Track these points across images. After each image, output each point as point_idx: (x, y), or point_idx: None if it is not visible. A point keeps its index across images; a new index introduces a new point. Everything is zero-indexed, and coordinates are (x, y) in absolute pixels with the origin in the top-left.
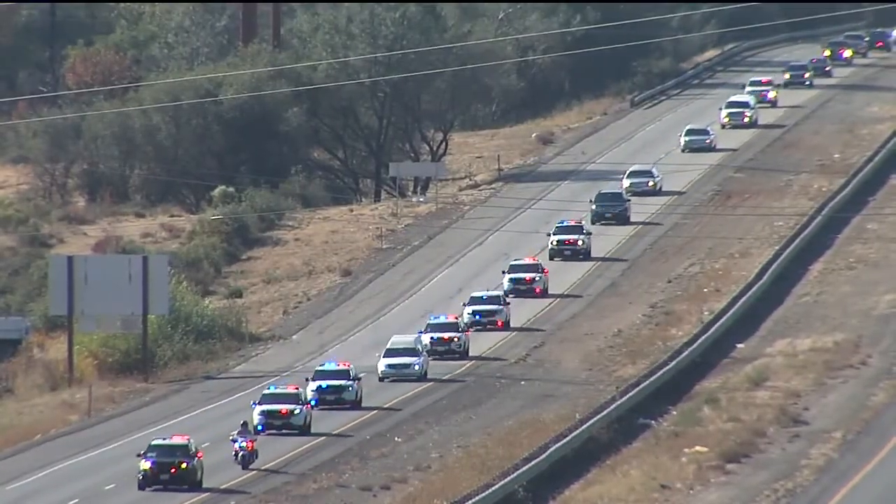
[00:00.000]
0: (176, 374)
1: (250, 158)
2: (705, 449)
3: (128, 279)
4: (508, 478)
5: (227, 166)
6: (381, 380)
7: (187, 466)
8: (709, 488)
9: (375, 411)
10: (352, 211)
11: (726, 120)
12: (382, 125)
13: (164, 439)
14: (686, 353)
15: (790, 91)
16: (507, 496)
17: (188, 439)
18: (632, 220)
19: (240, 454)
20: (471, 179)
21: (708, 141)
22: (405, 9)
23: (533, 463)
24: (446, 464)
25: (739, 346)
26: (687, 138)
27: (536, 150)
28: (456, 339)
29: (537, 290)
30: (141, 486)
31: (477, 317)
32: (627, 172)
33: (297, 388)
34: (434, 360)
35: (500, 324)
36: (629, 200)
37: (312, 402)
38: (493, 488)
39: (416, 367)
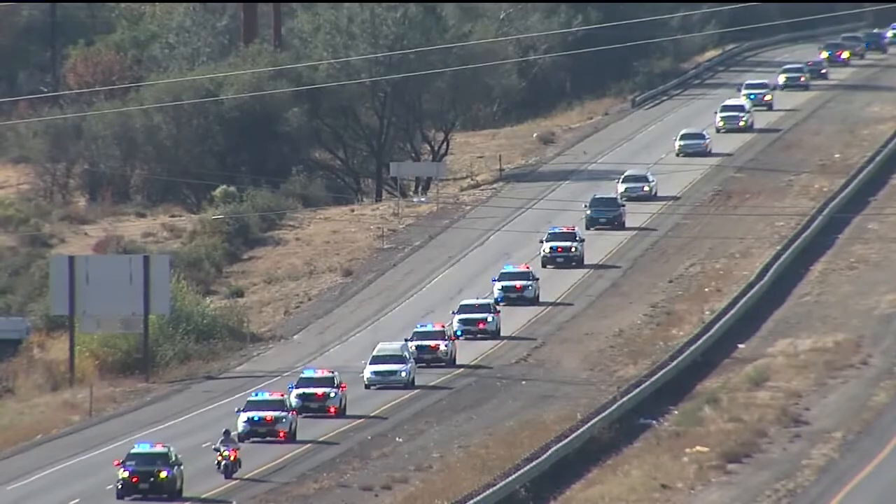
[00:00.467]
0: (177, 374)
1: (251, 158)
2: (706, 449)
3: (129, 279)
4: (510, 478)
5: (228, 166)
6: (366, 387)
7: (167, 476)
8: (710, 488)
9: (361, 419)
10: (353, 211)
11: (721, 124)
12: (383, 125)
13: (144, 447)
14: (687, 353)
15: (786, 94)
16: (508, 496)
17: (168, 447)
18: (627, 225)
19: (222, 463)
20: (472, 179)
21: (703, 145)
22: (406, 9)
23: (534, 463)
24: (447, 464)
25: (740, 346)
26: (682, 142)
27: (537, 150)
28: (443, 347)
29: (527, 299)
30: (119, 496)
31: (467, 325)
32: (622, 177)
33: (282, 395)
34: (420, 367)
35: (481, 325)
36: (624, 205)
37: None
38: (495, 488)
39: (403, 375)
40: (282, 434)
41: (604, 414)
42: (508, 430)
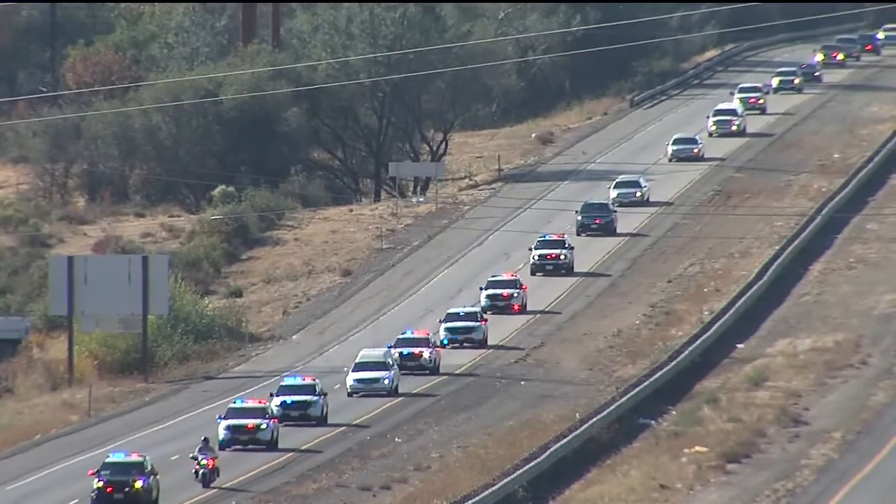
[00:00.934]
0: (176, 374)
1: (250, 158)
2: (705, 449)
3: (127, 279)
4: (509, 478)
5: (228, 166)
6: (349, 395)
7: (142, 486)
8: (709, 488)
9: (343, 427)
10: (352, 211)
11: (713, 128)
12: (382, 125)
13: (119, 456)
14: (686, 353)
15: (779, 97)
16: (507, 496)
17: (144, 456)
18: (619, 231)
19: (200, 472)
20: (471, 179)
21: (696, 150)
22: (405, 9)
23: (533, 463)
24: (446, 464)
25: (739, 346)
26: (674, 147)
27: (536, 150)
28: (426, 355)
29: (515, 308)
30: None
31: (453, 334)
32: (615, 182)
33: (263, 403)
34: (404, 374)
35: (476, 340)
36: (615, 211)
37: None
38: (494, 488)
39: (386, 382)
40: (263, 442)
41: (603, 414)
42: (507, 430)
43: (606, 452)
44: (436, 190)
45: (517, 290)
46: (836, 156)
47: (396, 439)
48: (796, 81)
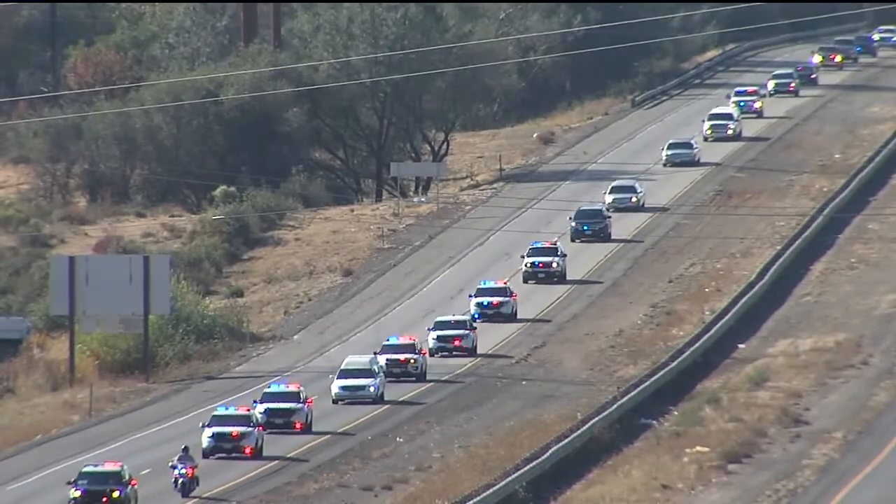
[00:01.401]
0: (177, 374)
1: (251, 158)
2: (706, 449)
3: (129, 279)
4: (510, 478)
5: (229, 166)
6: (334, 402)
7: (119, 496)
8: (710, 488)
9: (328, 436)
10: (353, 211)
11: (709, 132)
12: (383, 125)
13: (96, 466)
14: (687, 353)
15: (776, 100)
16: (508, 496)
17: (121, 466)
18: (613, 237)
19: (179, 481)
20: (472, 179)
21: (691, 155)
22: (406, 9)
23: (534, 463)
24: (448, 464)
25: (741, 346)
26: (669, 152)
27: (537, 150)
28: (412, 361)
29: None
30: None
31: (442, 342)
32: (610, 188)
33: (247, 410)
34: (390, 381)
35: (456, 341)
36: (609, 217)
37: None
38: (495, 488)
39: (372, 390)
40: (248, 450)
41: (604, 414)
42: (508, 429)
43: (608, 452)
44: (437, 190)
45: (507, 298)
46: (837, 156)
47: (398, 439)
48: (793, 84)
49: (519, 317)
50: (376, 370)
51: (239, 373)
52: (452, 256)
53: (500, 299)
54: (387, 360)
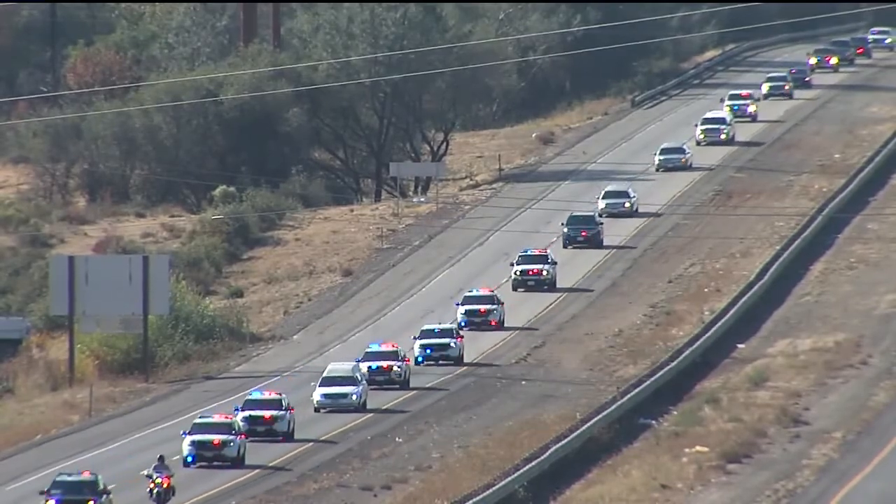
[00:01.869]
0: (177, 374)
1: (251, 158)
2: (706, 449)
3: (128, 279)
4: (509, 478)
5: (228, 166)
6: (316, 410)
7: None
8: (709, 488)
9: (310, 444)
10: (352, 211)
11: (702, 137)
12: (383, 125)
13: (70, 475)
14: (687, 353)
15: (770, 103)
16: (507, 496)
17: (96, 475)
18: (605, 243)
19: (155, 491)
20: (471, 179)
21: (683, 160)
22: (406, 9)
23: (534, 463)
24: (447, 464)
25: (740, 346)
26: (661, 157)
27: (537, 150)
28: (395, 368)
29: (492, 323)
30: None
31: (428, 350)
32: (602, 193)
33: (229, 418)
34: (373, 389)
35: (453, 358)
36: (602, 223)
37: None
38: (494, 488)
39: (354, 398)
40: (229, 459)
41: (603, 414)
42: (508, 430)
43: (607, 452)
44: (436, 190)
45: (495, 306)
46: (836, 156)
47: (397, 439)
48: (787, 87)
49: (507, 325)
50: (359, 378)
51: (239, 373)
52: (452, 256)
53: (488, 307)
54: (369, 367)
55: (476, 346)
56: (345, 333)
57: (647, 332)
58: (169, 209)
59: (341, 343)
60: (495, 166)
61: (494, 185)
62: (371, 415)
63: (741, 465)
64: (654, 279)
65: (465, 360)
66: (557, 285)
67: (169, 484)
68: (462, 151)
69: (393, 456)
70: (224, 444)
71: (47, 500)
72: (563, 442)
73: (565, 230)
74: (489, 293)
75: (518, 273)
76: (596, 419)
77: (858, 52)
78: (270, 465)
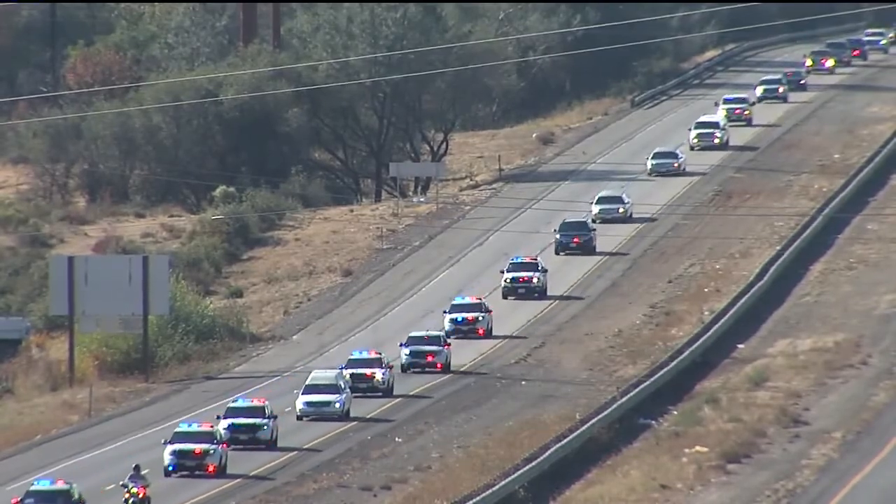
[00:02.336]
0: (176, 374)
1: (251, 158)
2: (706, 449)
3: (128, 279)
4: (509, 478)
5: (228, 166)
6: (299, 418)
7: None
8: (709, 488)
9: (294, 452)
10: (352, 211)
11: (695, 141)
12: (383, 125)
13: (45, 484)
14: (686, 353)
15: (765, 106)
16: (507, 496)
17: (70, 484)
18: (597, 249)
19: (130, 501)
20: (471, 179)
21: (676, 165)
22: (406, 9)
23: (533, 463)
24: (447, 464)
25: (740, 346)
26: (654, 161)
27: (537, 151)
28: (379, 376)
29: (480, 332)
30: None
31: (415, 357)
32: (596, 198)
33: (211, 426)
34: (356, 396)
35: (439, 366)
36: (594, 230)
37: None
38: (494, 489)
39: (338, 406)
40: (211, 468)
41: (603, 414)
42: (508, 430)
43: (607, 452)
44: (436, 190)
45: (482, 314)
46: (836, 156)
47: (397, 439)
48: (781, 90)
49: (495, 333)
50: (342, 385)
51: (238, 373)
52: (452, 256)
53: (475, 315)
54: (352, 374)
55: (462, 355)
56: (345, 334)
57: (647, 333)
58: (169, 209)
59: (341, 343)
60: (495, 166)
61: (494, 186)
62: (354, 423)
63: (741, 465)
64: (653, 279)
65: (452, 367)
66: (548, 293)
67: (144, 494)
68: (462, 151)
69: (392, 456)
70: (205, 453)
71: None
72: (563, 442)
73: (557, 236)
74: (477, 301)
75: (508, 280)
76: (596, 419)
77: (854, 54)
78: (251, 474)
